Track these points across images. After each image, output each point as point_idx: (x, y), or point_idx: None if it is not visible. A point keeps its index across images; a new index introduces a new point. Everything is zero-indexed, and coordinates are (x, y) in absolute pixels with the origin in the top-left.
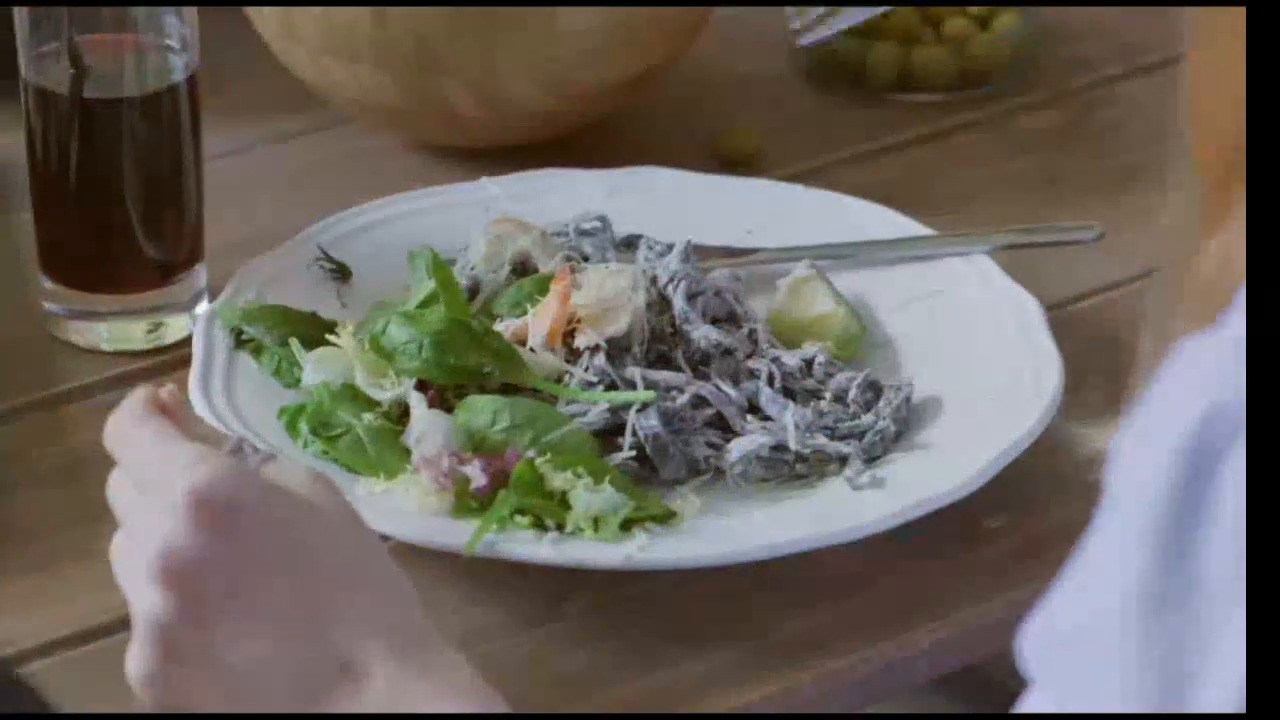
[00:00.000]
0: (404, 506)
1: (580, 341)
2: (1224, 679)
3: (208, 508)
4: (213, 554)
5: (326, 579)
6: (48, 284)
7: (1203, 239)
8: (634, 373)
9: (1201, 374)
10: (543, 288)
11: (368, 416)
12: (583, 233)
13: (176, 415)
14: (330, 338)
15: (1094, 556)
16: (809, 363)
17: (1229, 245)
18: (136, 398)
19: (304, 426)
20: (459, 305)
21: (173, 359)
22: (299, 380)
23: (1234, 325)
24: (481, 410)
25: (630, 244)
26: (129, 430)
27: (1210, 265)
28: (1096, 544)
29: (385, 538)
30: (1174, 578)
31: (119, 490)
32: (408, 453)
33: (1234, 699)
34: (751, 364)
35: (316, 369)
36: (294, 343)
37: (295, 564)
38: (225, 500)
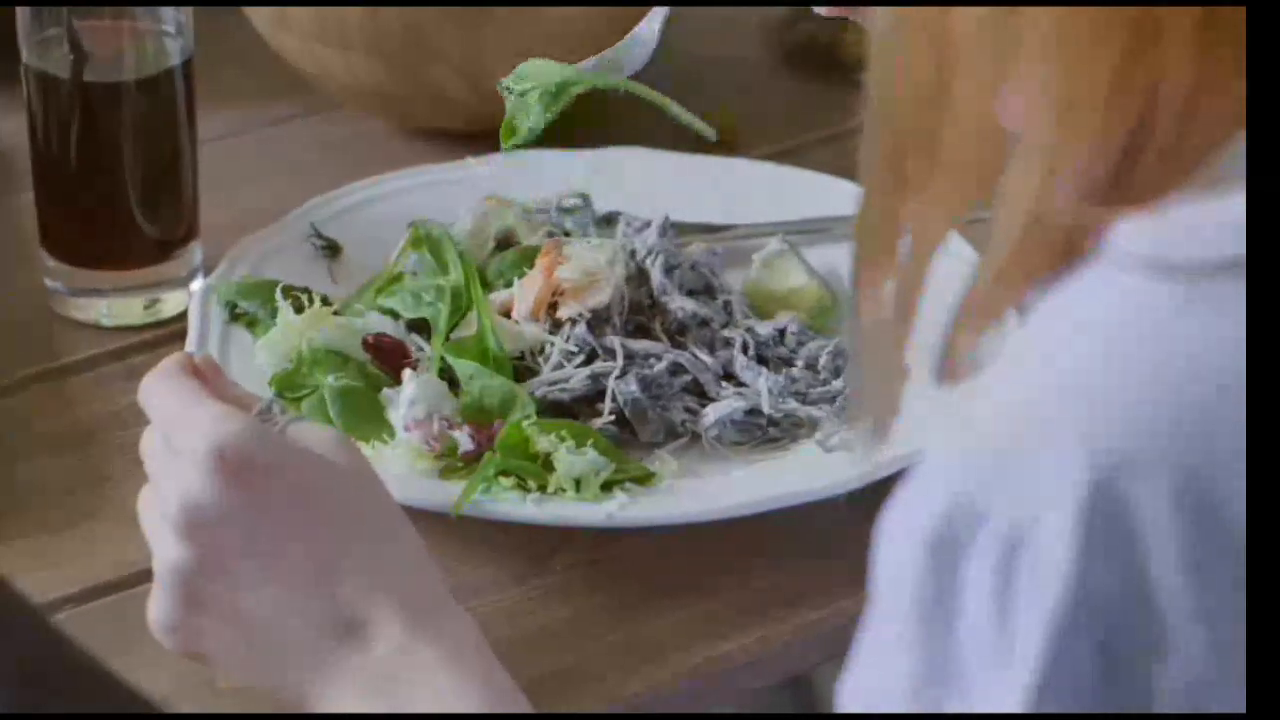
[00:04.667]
0: (393, 468)
1: (564, 313)
2: None
3: (228, 463)
4: (231, 507)
5: (341, 537)
6: (49, 262)
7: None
8: (614, 342)
9: (943, 467)
10: (528, 260)
11: (334, 377)
12: (564, 210)
13: (208, 378)
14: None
15: (870, 643)
16: (782, 332)
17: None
18: (171, 360)
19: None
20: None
21: (170, 333)
22: None
23: (973, 413)
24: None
25: (610, 220)
26: (161, 389)
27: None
28: (871, 632)
29: None
30: (934, 668)
31: (149, 446)
32: (379, 416)
33: None
34: (727, 333)
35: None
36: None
37: (311, 521)
38: (245, 457)
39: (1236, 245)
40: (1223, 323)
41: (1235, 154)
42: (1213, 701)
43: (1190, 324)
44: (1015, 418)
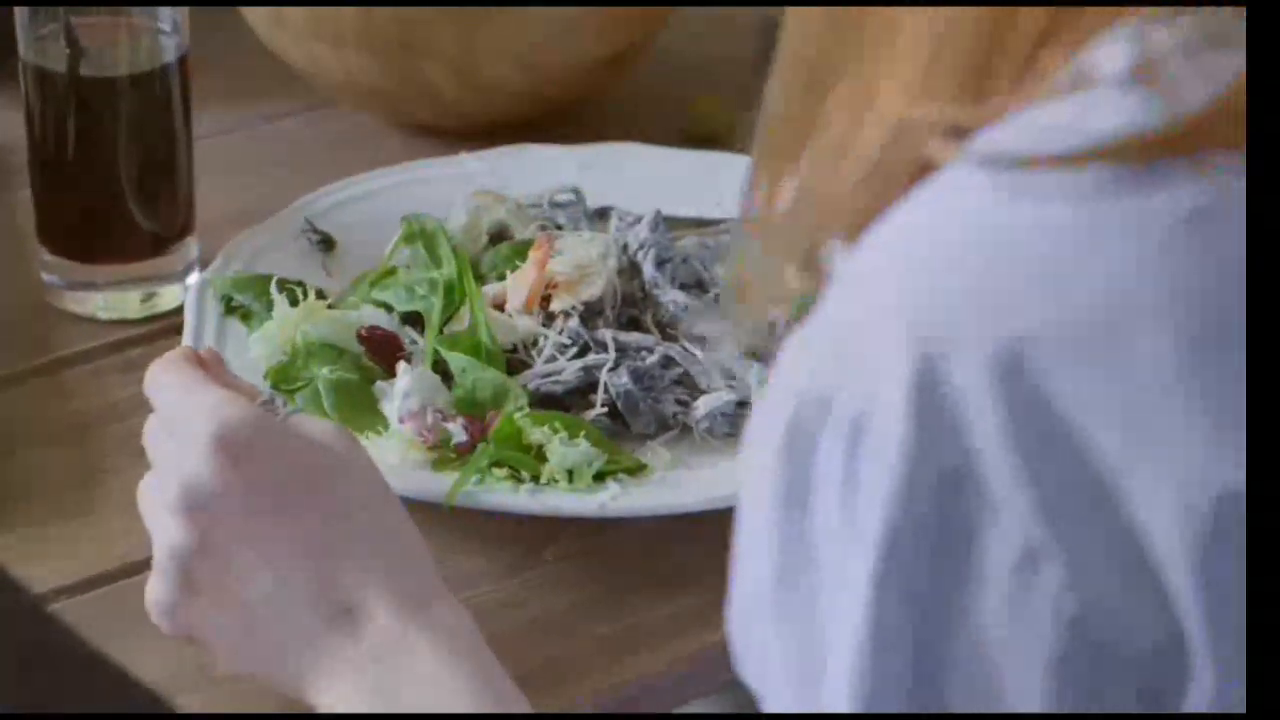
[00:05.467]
0: (387, 460)
1: (556, 306)
2: (846, 646)
3: (228, 447)
4: (229, 490)
5: (338, 524)
6: (46, 256)
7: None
8: (606, 335)
9: (797, 366)
10: (521, 254)
11: (329, 370)
12: (557, 205)
13: (211, 370)
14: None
15: (739, 549)
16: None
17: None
18: (176, 351)
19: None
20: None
21: (166, 326)
22: None
23: (822, 306)
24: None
25: (603, 215)
26: (165, 378)
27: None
28: (739, 537)
29: None
30: (791, 560)
31: (152, 433)
32: (373, 408)
33: (857, 665)
34: None
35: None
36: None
37: (308, 506)
38: (245, 441)
39: (1063, 141)
40: (1044, 209)
41: (1077, 68)
42: (1044, 566)
43: (1011, 209)
44: (854, 304)
